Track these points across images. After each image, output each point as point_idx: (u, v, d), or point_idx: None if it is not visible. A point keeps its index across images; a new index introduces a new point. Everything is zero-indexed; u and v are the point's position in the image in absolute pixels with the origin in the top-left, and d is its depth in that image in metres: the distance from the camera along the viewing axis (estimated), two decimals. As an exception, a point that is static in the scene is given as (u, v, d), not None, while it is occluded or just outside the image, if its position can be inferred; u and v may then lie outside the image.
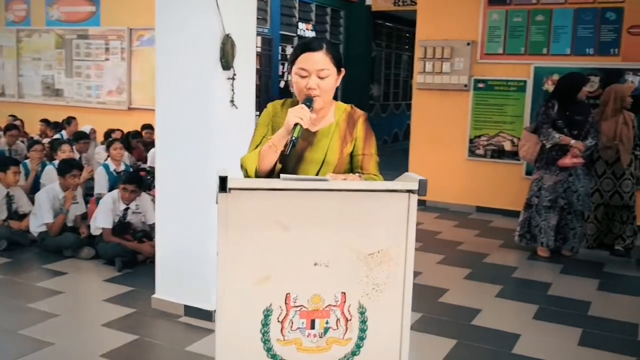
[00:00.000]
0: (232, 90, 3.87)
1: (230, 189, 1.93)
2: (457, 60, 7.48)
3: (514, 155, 7.28)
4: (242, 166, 2.33)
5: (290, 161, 2.34)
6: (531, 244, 5.66)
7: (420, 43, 7.74)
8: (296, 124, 2.16)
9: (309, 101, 2.24)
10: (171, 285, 4.07)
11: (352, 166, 2.40)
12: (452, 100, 7.59)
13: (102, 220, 5.15)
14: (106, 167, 6.28)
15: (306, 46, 2.31)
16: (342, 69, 2.39)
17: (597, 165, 5.72)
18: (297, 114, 2.17)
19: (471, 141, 7.56)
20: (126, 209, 5.23)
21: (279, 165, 2.28)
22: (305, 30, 11.49)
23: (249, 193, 1.99)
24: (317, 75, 2.26)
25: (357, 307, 2.10)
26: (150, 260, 4.95)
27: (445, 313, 4.28)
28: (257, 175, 2.27)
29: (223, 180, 1.90)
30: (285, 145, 2.20)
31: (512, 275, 5.16)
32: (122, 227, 5.20)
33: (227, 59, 3.76)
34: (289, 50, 10.27)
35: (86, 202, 5.79)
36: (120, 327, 3.85)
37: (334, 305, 2.09)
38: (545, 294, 4.71)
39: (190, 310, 3.98)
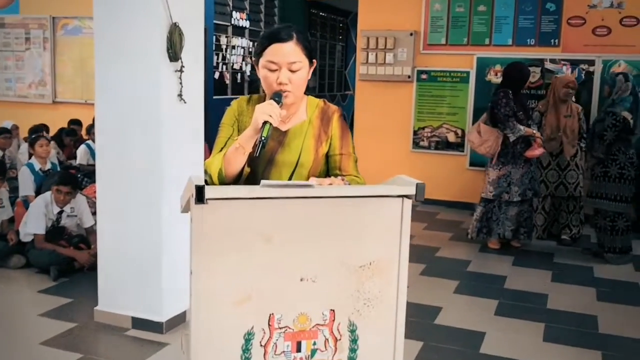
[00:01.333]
0: (180, 83, 3.58)
1: (207, 199, 1.68)
2: (400, 51, 7.37)
3: (457, 146, 7.26)
4: (205, 172, 2.08)
5: (259, 164, 2.12)
6: (487, 237, 5.62)
7: (363, 33, 7.59)
8: (265, 122, 1.93)
9: (277, 96, 2.01)
10: (116, 296, 3.75)
11: (328, 167, 2.20)
12: (395, 91, 7.48)
13: (33, 225, 4.73)
14: (30, 166, 5.78)
15: (274, 36, 2.07)
16: (314, 60, 2.17)
17: (542, 157, 5.73)
18: (266, 111, 1.94)
19: (415, 133, 7.49)
20: (60, 212, 4.83)
21: (247, 169, 2.05)
22: (239, 19, 11.15)
23: (227, 203, 1.74)
24: (288, 68, 2.04)
25: (347, 325, 1.90)
26: (88, 268, 4.59)
27: (407, 312, 4.12)
28: (223, 181, 2.03)
29: (200, 190, 1.65)
30: (254, 147, 1.97)
31: (467, 270, 5.09)
32: (55, 232, 4.80)
33: (174, 50, 3.46)
34: (223, 40, 9.91)
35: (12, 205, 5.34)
36: (61, 345, 3.50)
37: (322, 325, 1.88)
38: (502, 288, 4.66)
39: (139, 323, 3.68)
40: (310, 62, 2.13)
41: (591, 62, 6.69)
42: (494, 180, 5.40)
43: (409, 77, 7.37)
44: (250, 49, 11.84)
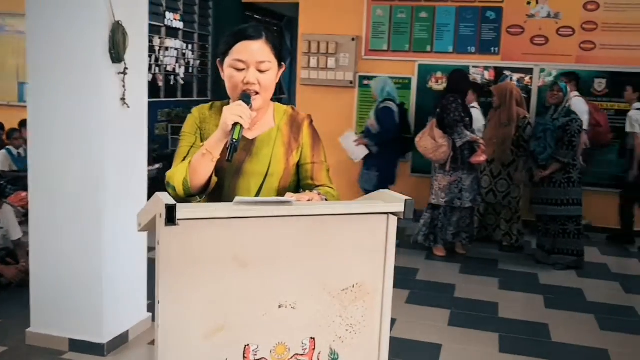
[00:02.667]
0: (124, 86, 3.32)
1: (179, 220, 1.49)
2: (342, 56, 7.29)
3: (400, 152, 7.22)
4: (168, 184, 1.88)
5: (226, 175, 1.94)
6: (434, 244, 5.58)
7: (304, 37, 7.46)
8: (236, 124, 1.75)
9: (246, 97, 1.85)
10: (51, 316, 3.45)
11: (299, 177, 2.04)
12: (337, 96, 7.38)
13: (-47, 238, 4.33)
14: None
15: (242, 34, 1.91)
16: (283, 63, 2.02)
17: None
18: (236, 112, 1.77)
19: (357, 139, 7.39)
20: (-16, 225, 4.44)
21: (214, 178, 1.87)
22: (173, 20, 10.80)
23: (198, 223, 1.55)
24: (256, 68, 1.88)
25: (328, 354, 1.76)
26: (16, 285, 4.23)
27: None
28: (188, 191, 1.84)
29: (170, 210, 1.46)
30: (224, 151, 1.79)
31: (416, 278, 5.03)
32: (-21, 246, 4.41)
33: (117, 51, 3.21)
34: (157, 41, 9.55)
35: None
36: (-11, 372, 3.19)
37: (301, 355, 1.73)
38: (453, 297, 4.62)
39: (77, 345, 3.39)
40: (280, 65, 1.98)
41: (529, 71, 6.80)
42: (445, 186, 5.36)
43: (351, 82, 7.29)
44: (184, 51, 11.51)
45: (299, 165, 2.04)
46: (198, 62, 11.89)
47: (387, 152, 6.05)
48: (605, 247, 6.17)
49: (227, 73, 1.92)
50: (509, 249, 5.86)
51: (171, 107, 9.50)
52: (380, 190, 1.83)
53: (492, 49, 6.91)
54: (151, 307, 3.80)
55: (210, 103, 2.09)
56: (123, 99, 3.33)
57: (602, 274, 5.34)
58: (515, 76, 6.82)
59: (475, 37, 6.94)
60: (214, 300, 1.61)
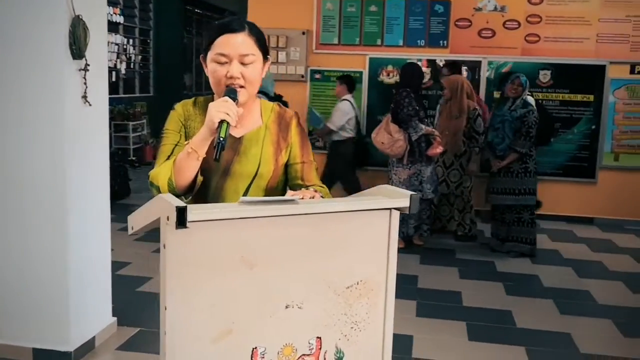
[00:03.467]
0: (85, 84, 3.19)
1: (189, 222, 1.43)
2: (293, 50, 7.25)
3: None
4: (151, 184, 1.82)
5: (213, 175, 1.89)
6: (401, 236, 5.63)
7: (253, 31, 7.35)
8: (222, 121, 1.70)
9: (232, 92, 1.80)
10: (13, 325, 3.28)
11: (288, 177, 2.01)
12: (289, 91, 7.28)
13: None
14: None
15: (225, 27, 1.85)
16: (269, 57, 1.97)
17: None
18: (222, 109, 1.71)
19: (310, 133, 7.37)
20: None
21: (200, 178, 1.81)
22: (113, 14, 10.50)
23: (205, 225, 1.50)
24: (240, 61, 1.83)
25: (334, 353, 1.73)
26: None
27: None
28: (174, 192, 1.78)
29: (181, 212, 1.40)
30: (212, 149, 1.73)
31: (379, 271, 5.05)
32: None
33: (79, 46, 3.07)
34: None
35: None
36: (-52, 388, 3.02)
37: (308, 355, 1.70)
38: (417, 288, 4.67)
39: (43, 355, 3.24)
40: (265, 58, 1.93)
41: (477, 63, 6.94)
42: (405, 179, 5.42)
43: (302, 76, 7.27)
44: (125, 46, 11.20)
45: (287, 165, 2.00)
46: (140, 57, 11.61)
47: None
48: (555, 233, 6.38)
49: (210, 68, 1.86)
50: (463, 238, 5.98)
51: (113, 104, 9.21)
52: (381, 185, 1.81)
53: (441, 42, 7.01)
54: (116, 311, 3.68)
55: (193, 98, 2.03)
56: (84, 97, 3.20)
57: (555, 260, 5.52)
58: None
59: (425, 31, 7.03)
60: (221, 303, 1.56)
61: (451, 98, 5.77)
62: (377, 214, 1.72)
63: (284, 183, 2.02)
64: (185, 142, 1.80)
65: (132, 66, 11.37)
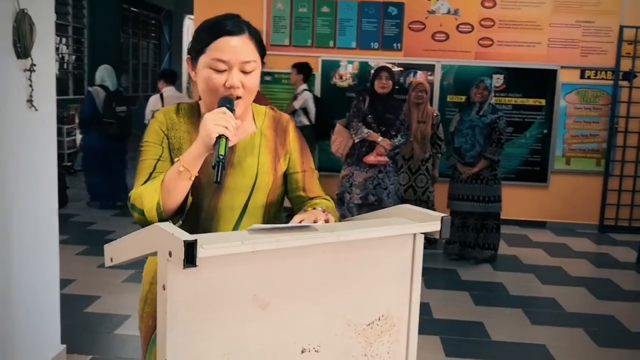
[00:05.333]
0: (30, 85, 2.83)
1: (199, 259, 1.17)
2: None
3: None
4: (133, 206, 1.55)
5: (204, 193, 1.64)
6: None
7: (200, 31, 7.03)
8: (220, 136, 1.46)
9: (229, 103, 1.56)
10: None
11: (287, 187, 1.78)
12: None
13: None
14: None
15: (221, 28, 1.61)
16: (265, 61, 1.74)
17: (397, 160, 5.70)
18: (220, 122, 1.47)
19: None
20: None
21: (190, 199, 1.56)
22: (44, 11, 9.86)
23: (212, 260, 1.24)
24: (240, 69, 1.59)
25: (353, 399, 1.50)
26: None
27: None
28: (161, 217, 1.52)
29: (191, 248, 1.14)
30: (213, 169, 1.48)
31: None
32: None
33: (24, 44, 2.72)
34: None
35: None
36: None
37: (326, 404, 1.46)
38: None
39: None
40: (262, 63, 1.69)
41: (431, 67, 6.85)
42: (340, 179, 5.28)
43: (252, 78, 6.97)
44: (57, 45, 10.58)
45: (286, 175, 1.77)
46: (74, 57, 11.01)
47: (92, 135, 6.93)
48: (511, 238, 6.35)
49: (204, 74, 1.60)
50: (426, 244, 5.83)
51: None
52: (401, 205, 1.59)
53: (395, 44, 6.88)
54: (65, 338, 3.32)
55: (176, 105, 1.77)
56: (30, 101, 2.84)
57: (516, 266, 5.46)
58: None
59: (378, 33, 6.88)
60: (232, 351, 1.31)
61: (420, 103, 5.64)
62: (401, 239, 1.51)
63: (283, 195, 1.79)
64: (176, 159, 1.53)
65: (65, 66, 10.77)
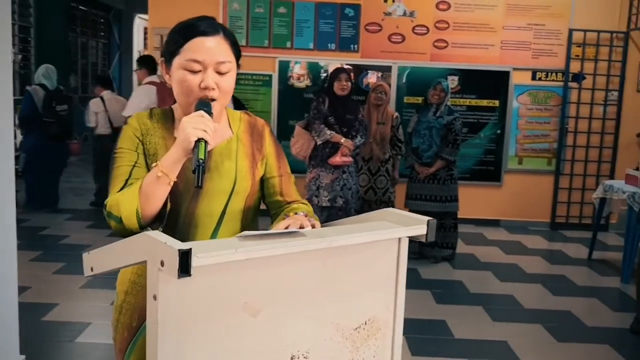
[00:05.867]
0: (-13, 87, 2.73)
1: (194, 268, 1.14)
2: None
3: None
4: (109, 214, 1.52)
5: (182, 198, 1.62)
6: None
7: (155, 31, 6.93)
8: (199, 140, 1.44)
9: (206, 106, 1.55)
10: None
11: (265, 192, 1.77)
12: (194, 95, 6.95)
13: None
14: None
15: (195, 29, 1.61)
16: (240, 63, 1.73)
17: (357, 160, 5.73)
18: (198, 126, 1.46)
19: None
20: None
21: (168, 205, 1.53)
22: (-12, 9, 9.53)
23: (203, 269, 1.22)
24: (215, 69, 1.59)
25: (340, 404, 1.50)
26: None
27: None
28: (139, 225, 1.49)
29: (185, 257, 1.11)
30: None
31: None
32: None
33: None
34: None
35: None
36: None
37: (314, 410, 1.46)
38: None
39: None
40: (237, 65, 1.69)
41: (388, 68, 6.91)
42: (307, 183, 5.26)
43: (209, 79, 6.89)
44: (2, 44, 10.22)
45: (263, 179, 1.76)
46: (20, 56, 10.67)
47: (33, 135, 6.81)
48: (468, 236, 6.47)
49: (178, 76, 1.59)
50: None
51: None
52: (387, 209, 1.60)
53: (352, 46, 6.91)
54: (24, 348, 3.21)
55: (149, 111, 1.74)
56: (-14, 103, 2.74)
57: (474, 264, 5.57)
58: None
59: (335, 34, 6.90)
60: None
61: (380, 105, 5.67)
62: (387, 243, 1.51)
63: (259, 200, 1.78)
64: (154, 165, 1.51)
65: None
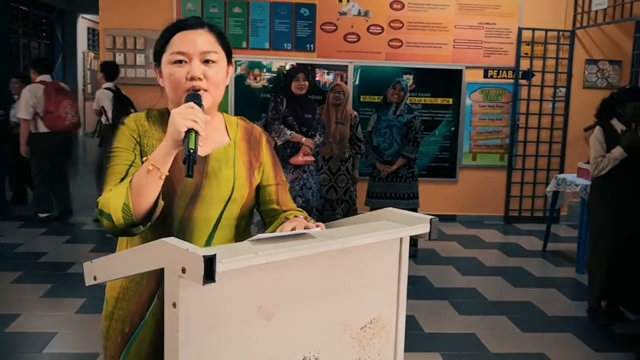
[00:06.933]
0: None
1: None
2: (152, 52, 6.75)
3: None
4: (101, 212, 1.50)
5: (178, 201, 1.61)
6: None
7: (107, 32, 6.78)
8: (189, 130, 1.43)
9: (196, 98, 1.54)
10: None
11: (260, 200, 1.78)
12: (149, 95, 6.75)
13: None
14: None
15: (180, 24, 1.63)
16: (233, 59, 1.73)
17: (317, 160, 5.75)
18: (188, 116, 1.44)
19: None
20: None
21: (161, 203, 1.52)
22: None
23: (223, 273, 1.21)
24: (200, 59, 1.58)
25: (348, 402, 1.52)
26: None
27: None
28: (130, 221, 1.49)
29: (210, 263, 1.11)
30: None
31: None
32: None
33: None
34: None
35: None
36: None
37: (324, 409, 1.47)
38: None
39: None
40: (229, 61, 1.68)
41: (344, 68, 6.96)
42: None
43: (163, 80, 6.79)
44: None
45: (259, 187, 1.76)
46: (-41, 59, 10.24)
47: None
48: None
49: (166, 71, 1.60)
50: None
51: None
52: (387, 209, 1.62)
53: (308, 45, 6.93)
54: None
55: (145, 111, 1.73)
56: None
57: (435, 259, 5.67)
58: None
59: (291, 34, 6.90)
60: (238, 365, 1.28)
61: (339, 104, 5.70)
62: (390, 242, 1.54)
63: (253, 208, 1.78)
64: (144, 159, 1.49)
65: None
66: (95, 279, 1.42)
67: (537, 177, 7.36)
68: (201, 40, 1.58)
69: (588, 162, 5.52)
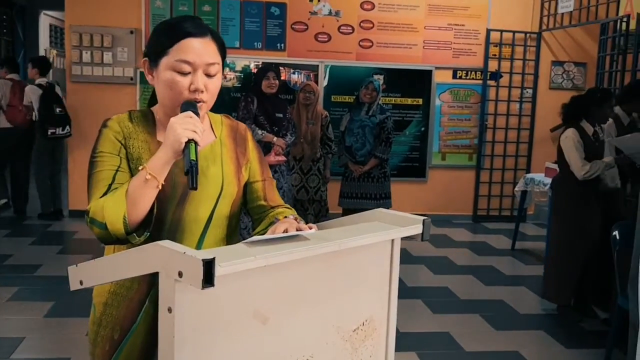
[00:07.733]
0: None
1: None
2: (120, 50, 6.65)
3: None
4: (93, 220, 1.47)
5: (168, 204, 1.58)
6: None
7: (73, 29, 6.63)
8: (190, 141, 1.42)
9: (193, 107, 1.52)
10: None
11: (248, 197, 1.76)
12: (116, 94, 6.71)
13: None
14: None
15: (183, 29, 1.57)
16: (226, 64, 1.70)
17: (288, 160, 5.73)
18: (188, 127, 1.43)
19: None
20: None
21: (155, 210, 1.50)
22: None
23: (219, 277, 1.19)
24: (204, 71, 1.56)
25: (340, 405, 1.51)
26: None
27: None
28: (127, 231, 1.45)
29: (210, 266, 1.08)
30: (186, 176, 1.44)
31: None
32: None
33: None
34: None
35: None
36: None
37: (317, 413, 1.45)
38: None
39: None
40: (223, 66, 1.67)
41: (315, 67, 6.95)
42: None
43: (131, 79, 6.69)
44: None
45: (246, 184, 1.75)
46: None
47: None
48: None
49: (167, 77, 1.55)
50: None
51: None
52: (378, 209, 1.61)
53: (279, 45, 6.90)
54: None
55: (127, 113, 1.69)
56: None
57: (407, 259, 5.69)
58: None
59: (261, 33, 6.86)
60: (233, 371, 1.26)
61: (311, 104, 5.67)
62: (382, 244, 1.53)
63: (241, 206, 1.76)
64: (140, 167, 1.45)
65: None
66: (81, 283, 1.38)
67: (504, 176, 7.46)
68: (207, 51, 1.55)
69: (555, 162, 5.63)
